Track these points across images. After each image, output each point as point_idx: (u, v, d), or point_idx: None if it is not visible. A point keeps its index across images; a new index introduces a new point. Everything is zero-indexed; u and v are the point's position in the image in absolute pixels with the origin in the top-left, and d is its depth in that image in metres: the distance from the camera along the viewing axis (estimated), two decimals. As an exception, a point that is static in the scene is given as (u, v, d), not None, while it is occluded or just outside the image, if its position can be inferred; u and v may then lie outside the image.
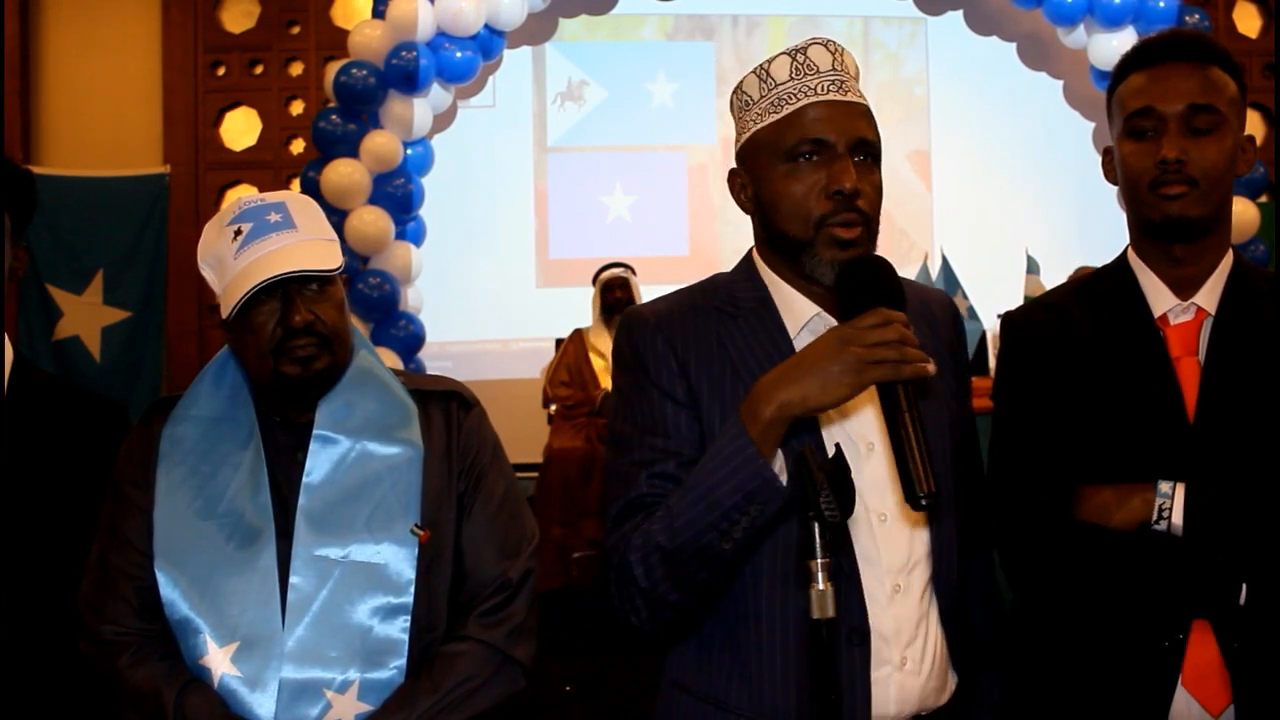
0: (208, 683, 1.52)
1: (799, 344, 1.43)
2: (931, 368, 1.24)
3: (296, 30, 6.43)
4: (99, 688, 1.59)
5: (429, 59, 5.58)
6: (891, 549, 1.41)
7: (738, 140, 1.48)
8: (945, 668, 1.45)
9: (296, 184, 5.86)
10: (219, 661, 1.52)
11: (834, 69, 1.41)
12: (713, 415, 1.41)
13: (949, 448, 1.47)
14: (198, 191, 6.21)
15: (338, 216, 5.49)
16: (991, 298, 5.28)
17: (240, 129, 6.44)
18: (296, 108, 6.43)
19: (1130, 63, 1.65)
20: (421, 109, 5.72)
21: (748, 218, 1.51)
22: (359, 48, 5.56)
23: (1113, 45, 5.73)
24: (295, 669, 1.51)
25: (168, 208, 5.44)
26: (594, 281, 5.64)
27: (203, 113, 6.35)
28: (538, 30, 6.56)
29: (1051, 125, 6.81)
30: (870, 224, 1.39)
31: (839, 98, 1.40)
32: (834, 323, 1.42)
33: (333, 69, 5.65)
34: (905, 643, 1.40)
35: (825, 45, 1.43)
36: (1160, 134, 1.58)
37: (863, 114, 1.41)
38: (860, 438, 1.43)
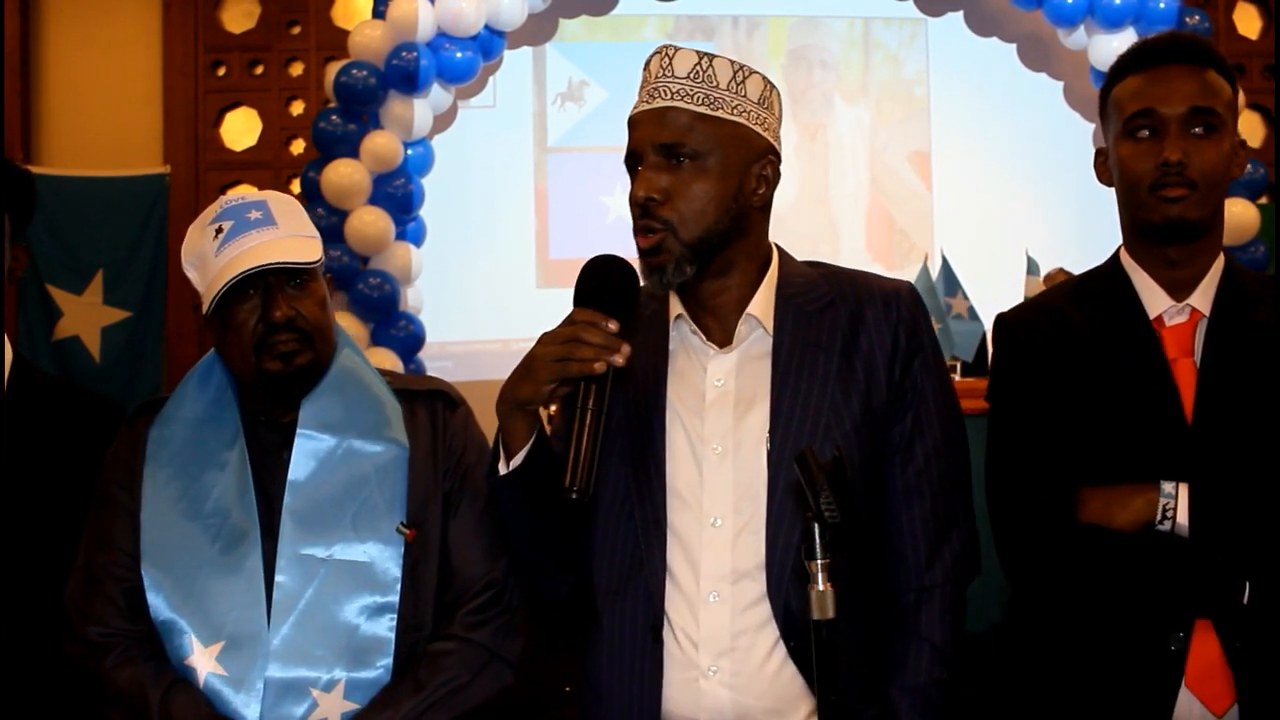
0: (193, 683, 1.52)
1: (673, 350, 1.51)
2: (599, 366, 1.30)
3: (297, 30, 6.42)
4: (85, 688, 1.58)
5: (429, 59, 5.58)
6: (715, 555, 1.42)
7: None
8: (791, 691, 1.40)
9: (297, 184, 5.86)
10: (204, 661, 1.52)
11: (658, 76, 1.44)
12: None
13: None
14: (198, 191, 6.20)
15: (338, 217, 5.48)
16: (991, 298, 5.27)
17: (240, 129, 6.43)
18: (297, 108, 6.42)
19: (1127, 64, 1.65)
20: (422, 109, 5.71)
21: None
22: (359, 48, 5.55)
23: (1113, 46, 5.71)
24: (281, 668, 1.51)
25: (168, 208, 5.42)
26: (594, 282, 5.63)
27: (203, 113, 6.34)
28: (538, 30, 6.55)
29: (1052, 126, 6.79)
30: (676, 229, 1.41)
31: (645, 106, 1.44)
32: (691, 325, 1.49)
33: (333, 69, 5.64)
34: (718, 652, 1.40)
35: (661, 53, 1.45)
36: (1161, 136, 1.58)
37: (672, 117, 1.42)
38: (709, 440, 1.45)
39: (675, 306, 1.51)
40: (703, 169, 1.41)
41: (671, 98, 1.42)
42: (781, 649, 1.40)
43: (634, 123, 1.46)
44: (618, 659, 1.46)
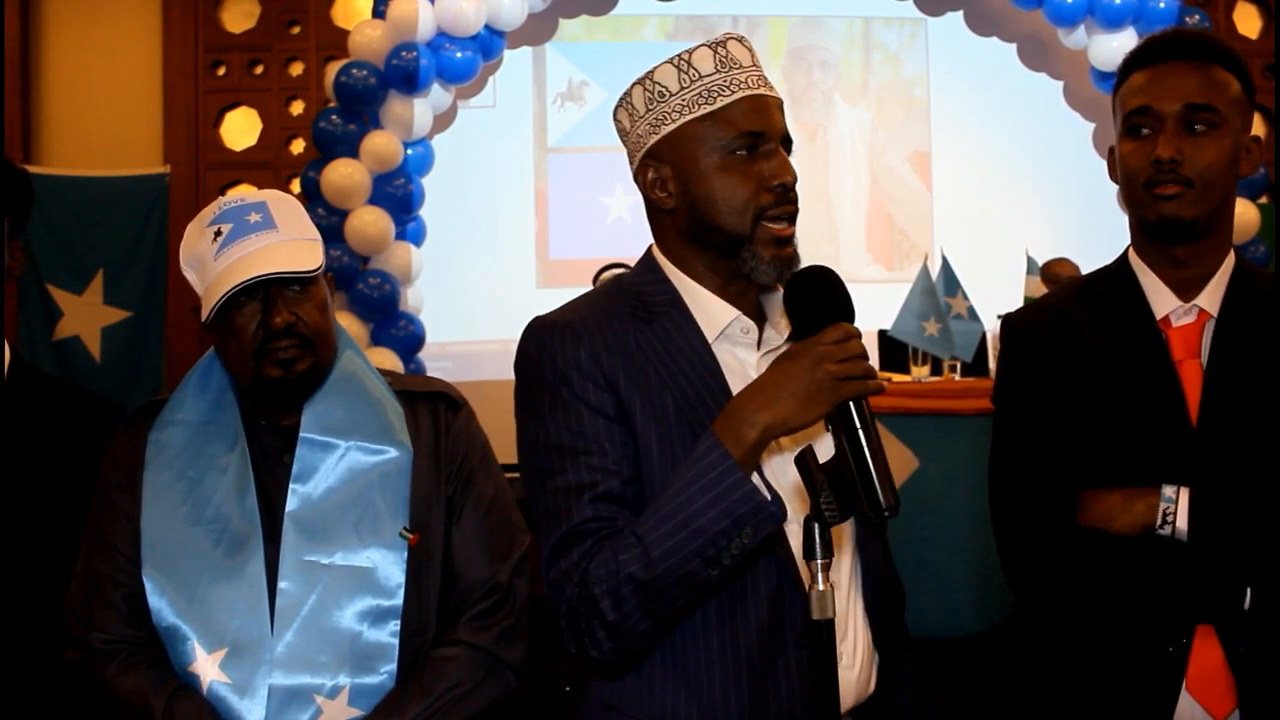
0: (196, 690, 1.51)
1: (718, 350, 1.40)
2: (884, 385, 1.27)
3: (297, 30, 6.42)
4: (86, 696, 1.57)
5: (429, 59, 5.58)
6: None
7: (649, 133, 1.42)
8: (872, 659, 1.43)
9: (296, 184, 5.86)
10: (207, 668, 1.50)
11: (754, 65, 1.42)
12: (648, 429, 1.34)
13: None
14: (198, 191, 6.20)
15: (338, 217, 5.48)
16: (991, 298, 5.28)
17: (240, 129, 6.43)
18: (297, 108, 6.42)
19: (1132, 61, 1.64)
20: (422, 109, 5.71)
21: None
22: (359, 48, 5.55)
23: (1113, 46, 5.72)
24: (285, 675, 1.50)
25: (168, 208, 5.43)
26: (594, 282, 5.63)
27: (203, 113, 6.34)
28: (538, 30, 6.56)
29: (1051, 126, 6.80)
30: (795, 220, 1.40)
31: (767, 92, 1.41)
32: (753, 326, 1.42)
33: (333, 69, 5.64)
34: (841, 638, 1.37)
35: (741, 41, 1.42)
36: (1157, 133, 1.57)
37: (782, 108, 1.43)
38: (789, 437, 1.38)
39: (723, 308, 1.43)
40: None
41: (773, 90, 1.43)
42: (867, 623, 1.42)
43: (752, 104, 1.38)
44: (756, 674, 1.34)
